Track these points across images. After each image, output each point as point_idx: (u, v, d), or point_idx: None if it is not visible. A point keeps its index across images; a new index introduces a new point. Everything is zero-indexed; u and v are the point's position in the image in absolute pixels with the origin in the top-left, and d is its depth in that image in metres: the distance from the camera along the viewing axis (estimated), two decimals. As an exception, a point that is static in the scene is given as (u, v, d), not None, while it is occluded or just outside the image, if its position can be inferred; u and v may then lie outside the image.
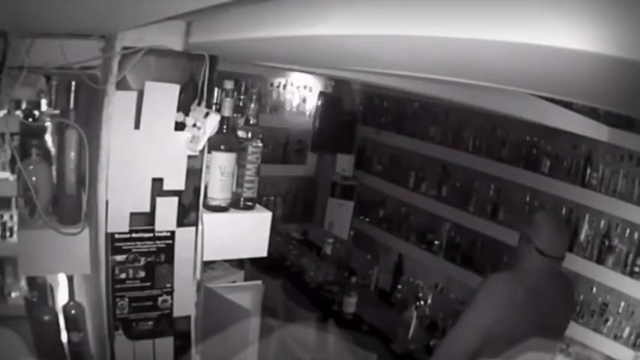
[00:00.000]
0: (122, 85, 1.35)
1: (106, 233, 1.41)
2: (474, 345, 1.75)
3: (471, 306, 1.82)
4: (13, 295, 1.86)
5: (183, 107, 1.41)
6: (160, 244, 1.48)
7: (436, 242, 3.29)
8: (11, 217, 1.84)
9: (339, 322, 3.00)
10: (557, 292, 1.86)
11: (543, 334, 1.75)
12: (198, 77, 1.41)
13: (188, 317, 1.56)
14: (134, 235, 1.44)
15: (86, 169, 1.44)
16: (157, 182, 1.44)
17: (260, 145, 1.61)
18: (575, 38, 0.58)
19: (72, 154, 1.46)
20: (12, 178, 1.70)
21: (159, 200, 1.45)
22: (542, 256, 1.81)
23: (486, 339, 1.74)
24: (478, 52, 0.78)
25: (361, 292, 3.17)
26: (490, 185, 2.97)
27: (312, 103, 3.89)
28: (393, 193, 3.64)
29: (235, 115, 1.60)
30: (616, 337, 2.31)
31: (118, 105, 1.36)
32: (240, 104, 1.73)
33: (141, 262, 1.46)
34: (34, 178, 1.46)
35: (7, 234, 1.85)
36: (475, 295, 1.83)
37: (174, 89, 1.39)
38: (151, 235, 1.46)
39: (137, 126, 1.37)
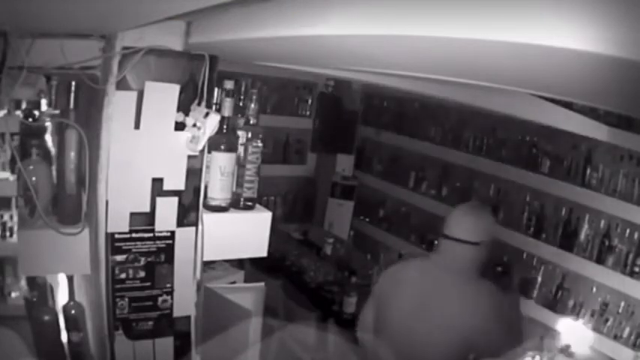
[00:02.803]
0: (122, 85, 1.35)
1: (106, 233, 1.41)
2: (372, 314, 1.96)
3: None
4: (13, 295, 1.86)
5: (183, 107, 1.41)
6: (160, 244, 1.48)
7: (436, 242, 3.29)
8: (11, 217, 1.84)
9: (339, 322, 3.01)
10: (463, 294, 1.75)
11: (437, 328, 1.74)
12: (198, 77, 1.41)
13: (188, 317, 1.56)
14: (134, 235, 1.44)
15: (86, 169, 1.44)
16: (157, 182, 1.44)
17: (260, 145, 1.61)
18: (575, 38, 0.58)
19: (72, 154, 1.46)
20: (12, 178, 1.70)
21: (159, 200, 1.45)
22: (445, 239, 1.85)
23: (379, 310, 1.92)
24: (478, 52, 0.78)
25: (361, 292, 3.17)
26: (490, 185, 2.97)
27: (312, 103, 3.90)
28: (393, 193, 3.64)
29: (235, 115, 1.60)
30: (616, 337, 2.32)
31: (118, 105, 1.36)
32: (240, 104, 1.73)
33: (141, 262, 1.46)
34: (34, 178, 1.46)
35: (7, 234, 1.85)
36: None
37: (174, 89, 1.39)
38: (151, 235, 1.46)
39: (137, 126, 1.38)
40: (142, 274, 1.47)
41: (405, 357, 1.77)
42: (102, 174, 1.39)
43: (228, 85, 1.53)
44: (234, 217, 1.59)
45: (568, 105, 2.17)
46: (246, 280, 2.42)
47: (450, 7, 0.69)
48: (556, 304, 2.57)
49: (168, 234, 1.48)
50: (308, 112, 3.92)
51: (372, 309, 1.98)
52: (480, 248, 1.82)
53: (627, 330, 2.29)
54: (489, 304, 1.75)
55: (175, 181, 1.46)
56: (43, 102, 1.55)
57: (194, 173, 1.48)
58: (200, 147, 1.41)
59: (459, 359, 1.77)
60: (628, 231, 2.31)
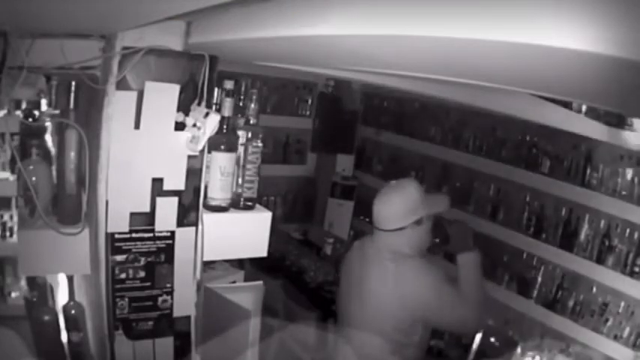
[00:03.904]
0: (122, 85, 1.35)
1: (106, 233, 1.41)
2: None
3: None
4: (13, 295, 1.86)
5: (183, 107, 1.42)
6: (160, 244, 1.48)
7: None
8: (11, 217, 1.84)
9: (339, 322, 3.00)
10: (373, 270, 1.86)
11: (359, 309, 1.90)
12: (198, 77, 1.41)
13: (188, 317, 1.56)
14: (134, 235, 1.44)
15: (86, 169, 1.44)
16: (157, 182, 1.44)
17: (260, 145, 1.61)
18: (575, 38, 0.58)
19: (72, 154, 1.46)
20: (12, 178, 1.70)
21: (159, 200, 1.45)
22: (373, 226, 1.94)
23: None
24: (478, 52, 0.78)
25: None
26: (490, 185, 2.97)
27: (312, 103, 3.90)
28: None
29: (235, 115, 1.60)
30: (616, 337, 2.31)
31: (118, 105, 1.36)
32: (240, 104, 1.73)
33: (141, 262, 1.46)
34: (34, 178, 1.47)
35: (7, 234, 1.85)
36: None
37: (174, 89, 1.39)
38: (151, 235, 1.46)
39: (137, 126, 1.38)
40: (142, 274, 1.47)
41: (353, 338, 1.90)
42: (102, 174, 1.39)
43: (228, 85, 1.53)
44: (234, 217, 1.59)
45: (568, 105, 2.17)
46: (246, 280, 2.42)
47: (450, 7, 0.69)
48: (556, 304, 2.57)
49: (168, 234, 1.48)
50: (308, 112, 3.92)
51: None
52: (408, 230, 1.85)
53: (627, 330, 2.29)
54: (423, 281, 1.81)
55: (175, 181, 1.46)
56: (43, 102, 1.55)
57: (194, 173, 1.48)
58: (200, 147, 1.42)
59: (405, 330, 1.86)
60: (628, 231, 2.31)
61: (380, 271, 1.86)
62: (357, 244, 2.06)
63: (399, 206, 1.84)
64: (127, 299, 1.47)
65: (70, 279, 1.61)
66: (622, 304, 2.31)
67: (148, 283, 1.48)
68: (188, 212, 1.50)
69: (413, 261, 1.86)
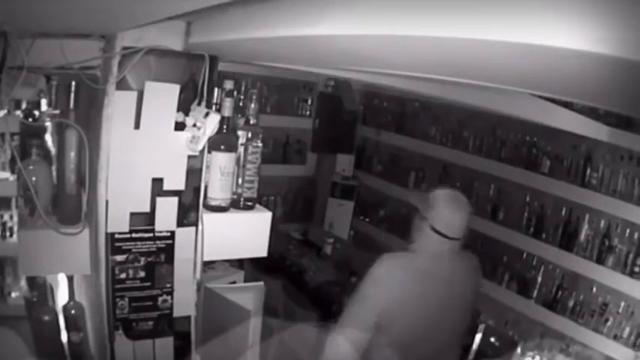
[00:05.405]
0: (122, 85, 1.35)
1: (106, 233, 1.41)
2: (369, 320, 1.78)
3: (360, 289, 1.84)
4: (13, 295, 1.86)
5: (184, 107, 1.42)
6: (160, 244, 1.48)
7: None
8: (11, 217, 1.84)
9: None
10: (459, 272, 1.87)
11: (449, 315, 1.82)
12: (198, 77, 1.41)
13: (188, 317, 1.56)
14: (134, 235, 1.44)
15: (86, 169, 1.44)
16: (157, 182, 1.44)
17: (260, 145, 1.61)
18: (575, 38, 0.58)
19: (72, 154, 1.46)
20: (12, 178, 1.70)
21: (159, 200, 1.45)
22: (439, 236, 1.81)
23: (380, 317, 1.76)
24: (478, 52, 0.78)
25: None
26: (490, 185, 2.97)
27: (312, 103, 3.90)
28: (393, 193, 3.64)
29: (235, 115, 1.60)
30: (616, 337, 2.31)
31: (118, 105, 1.36)
32: (240, 104, 1.74)
33: (141, 262, 1.46)
34: (34, 178, 1.47)
35: (7, 234, 1.85)
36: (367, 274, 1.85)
37: (174, 89, 1.39)
38: (151, 235, 1.46)
39: (137, 126, 1.38)
40: (142, 274, 1.47)
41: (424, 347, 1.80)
42: (102, 174, 1.39)
43: (228, 85, 1.53)
44: (234, 217, 1.59)
45: (568, 105, 2.17)
46: (246, 280, 2.42)
47: (450, 7, 0.69)
48: (556, 304, 2.57)
49: (168, 234, 1.48)
50: (308, 112, 3.92)
51: (367, 316, 1.78)
52: None
53: (627, 330, 2.29)
54: (476, 263, 1.96)
55: (175, 181, 1.46)
56: (43, 102, 1.55)
57: (194, 173, 1.48)
58: (200, 147, 1.42)
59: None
60: (628, 231, 2.31)
61: (470, 270, 1.94)
62: (403, 262, 1.86)
63: (469, 212, 1.91)
64: (127, 299, 1.47)
65: (70, 279, 1.61)
66: (622, 304, 2.31)
67: (148, 283, 1.48)
68: (188, 212, 1.50)
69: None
